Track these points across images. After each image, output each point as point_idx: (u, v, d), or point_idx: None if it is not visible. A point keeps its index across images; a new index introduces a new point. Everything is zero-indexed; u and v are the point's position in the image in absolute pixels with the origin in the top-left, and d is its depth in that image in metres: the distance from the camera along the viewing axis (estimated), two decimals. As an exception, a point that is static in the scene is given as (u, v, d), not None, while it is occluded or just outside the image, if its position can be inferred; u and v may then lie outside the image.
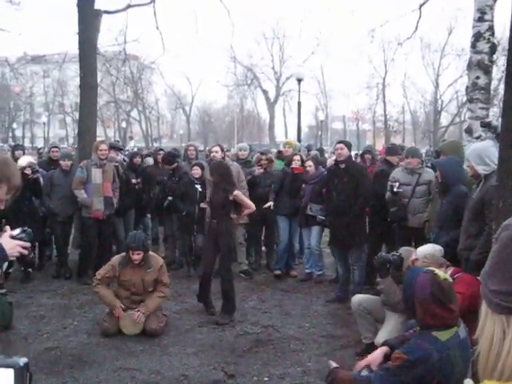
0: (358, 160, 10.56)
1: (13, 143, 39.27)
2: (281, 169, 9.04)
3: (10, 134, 55.76)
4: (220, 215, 6.84)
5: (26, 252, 2.84)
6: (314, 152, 11.21)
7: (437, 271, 3.08)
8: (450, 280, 3.04)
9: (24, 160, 8.29)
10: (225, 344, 5.94)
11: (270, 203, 8.59)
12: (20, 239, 2.85)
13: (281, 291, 8.02)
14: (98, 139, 10.33)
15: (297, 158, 8.69)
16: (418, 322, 3.08)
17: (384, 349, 3.41)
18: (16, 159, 8.98)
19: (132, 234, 6.43)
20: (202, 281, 7.08)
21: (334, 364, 3.29)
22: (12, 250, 2.77)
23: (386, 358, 3.24)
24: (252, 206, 7.00)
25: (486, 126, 6.22)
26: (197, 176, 8.51)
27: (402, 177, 7.26)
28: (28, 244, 2.86)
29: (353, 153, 11.57)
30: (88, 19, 10.50)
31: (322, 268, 8.67)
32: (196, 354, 5.63)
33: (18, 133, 57.52)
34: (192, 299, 7.46)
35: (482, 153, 4.98)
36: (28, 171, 7.95)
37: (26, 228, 2.96)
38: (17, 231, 2.91)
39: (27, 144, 45.53)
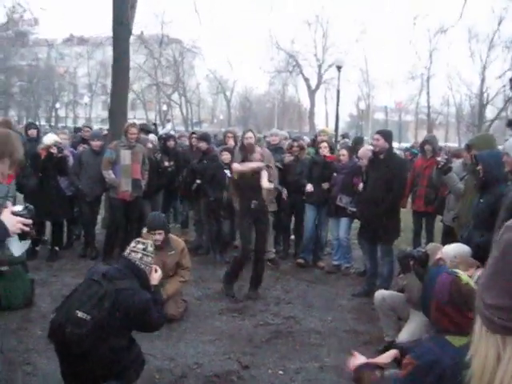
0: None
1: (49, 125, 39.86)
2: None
3: (53, 114, 56.61)
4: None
5: (27, 229, 2.82)
6: (345, 140, 10.83)
7: (460, 274, 2.85)
8: (473, 286, 2.80)
9: (49, 138, 8.24)
10: (243, 333, 5.82)
11: (309, 186, 8.35)
12: (21, 216, 2.83)
13: (306, 282, 7.85)
14: (134, 121, 10.32)
15: (323, 145, 8.46)
16: (434, 325, 2.88)
17: (393, 352, 3.23)
18: (30, 138, 9.05)
19: (152, 213, 6.36)
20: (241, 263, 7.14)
21: (361, 358, 3.03)
22: (13, 227, 2.75)
23: (397, 362, 3.05)
24: (253, 165, 6.98)
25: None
26: (226, 161, 8.37)
27: (458, 171, 6.91)
28: (29, 221, 2.85)
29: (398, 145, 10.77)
30: (122, -1, 10.36)
31: (350, 260, 8.47)
32: (213, 342, 5.52)
33: (61, 113, 58.37)
34: (215, 285, 7.37)
35: None
36: (54, 150, 7.92)
37: (27, 205, 2.96)
38: (19, 208, 2.90)
39: (70, 124, 46.26)
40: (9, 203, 2.93)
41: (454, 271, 2.92)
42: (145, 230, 6.00)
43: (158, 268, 4.38)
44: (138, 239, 4.37)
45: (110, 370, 3.83)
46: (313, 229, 8.55)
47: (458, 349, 2.67)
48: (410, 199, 8.52)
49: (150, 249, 4.22)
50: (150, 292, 4.12)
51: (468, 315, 2.70)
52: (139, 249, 4.16)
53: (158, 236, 5.93)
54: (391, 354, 3.15)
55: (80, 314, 3.65)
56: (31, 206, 2.93)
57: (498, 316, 1.04)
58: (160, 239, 5.94)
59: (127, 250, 4.21)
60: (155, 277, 4.29)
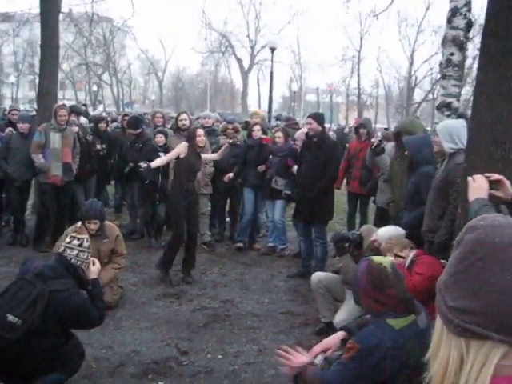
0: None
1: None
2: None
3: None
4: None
5: None
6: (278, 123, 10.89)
7: (374, 258, 2.97)
8: (386, 266, 2.90)
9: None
10: (180, 319, 5.78)
11: (230, 175, 8.38)
12: None
13: (242, 264, 7.87)
14: (64, 102, 9.96)
15: (256, 127, 8.46)
16: (367, 311, 2.96)
17: (341, 334, 3.28)
18: None
19: (87, 202, 6.16)
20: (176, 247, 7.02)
21: (299, 357, 3.04)
22: None
23: (344, 342, 3.10)
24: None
25: (446, 106, 6.01)
26: (160, 144, 8.24)
27: (390, 154, 7.04)
28: None
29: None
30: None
31: (285, 242, 8.53)
32: (150, 329, 5.46)
33: (-15, 92, 55.97)
34: (151, 270, 7.27)
35: (452, 130, 4.82)
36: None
37: None
38: None
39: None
40: None
41: (368, 257, 3.04)
42: (79, 224, 5.81)
43: (95, 260, 4.23)
44: (73, 234, 4.19)
45: (48, 365, 3.75)
46: (252, 212, 8.55)
47: (399, 331, 2.75)
48: (345, 181, 8.64)
49: (86, 244, 4.07)
50: (87, 289, 4.01)
51: (387, 292, 2.80)
52: (75, 245, 4.00)
53: (94, 226, 5.80)
54: (339, 335, 3.21)
55: (11, 317, 3.52)
56: None
57: (461, 319, 0.99)
58: (95, 228, 5.82)
59: (62, 247, 4.06)
60: (94, 270, 4.15)
